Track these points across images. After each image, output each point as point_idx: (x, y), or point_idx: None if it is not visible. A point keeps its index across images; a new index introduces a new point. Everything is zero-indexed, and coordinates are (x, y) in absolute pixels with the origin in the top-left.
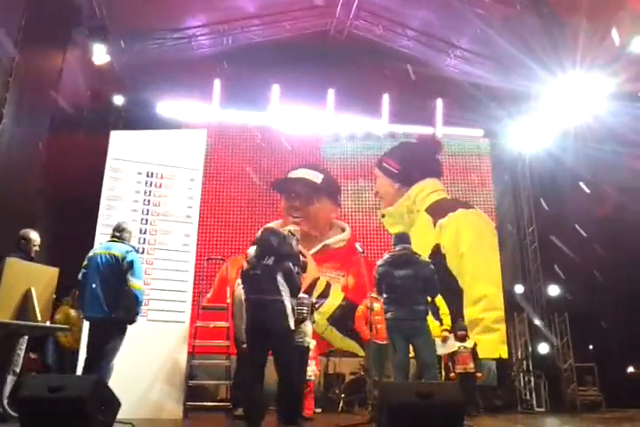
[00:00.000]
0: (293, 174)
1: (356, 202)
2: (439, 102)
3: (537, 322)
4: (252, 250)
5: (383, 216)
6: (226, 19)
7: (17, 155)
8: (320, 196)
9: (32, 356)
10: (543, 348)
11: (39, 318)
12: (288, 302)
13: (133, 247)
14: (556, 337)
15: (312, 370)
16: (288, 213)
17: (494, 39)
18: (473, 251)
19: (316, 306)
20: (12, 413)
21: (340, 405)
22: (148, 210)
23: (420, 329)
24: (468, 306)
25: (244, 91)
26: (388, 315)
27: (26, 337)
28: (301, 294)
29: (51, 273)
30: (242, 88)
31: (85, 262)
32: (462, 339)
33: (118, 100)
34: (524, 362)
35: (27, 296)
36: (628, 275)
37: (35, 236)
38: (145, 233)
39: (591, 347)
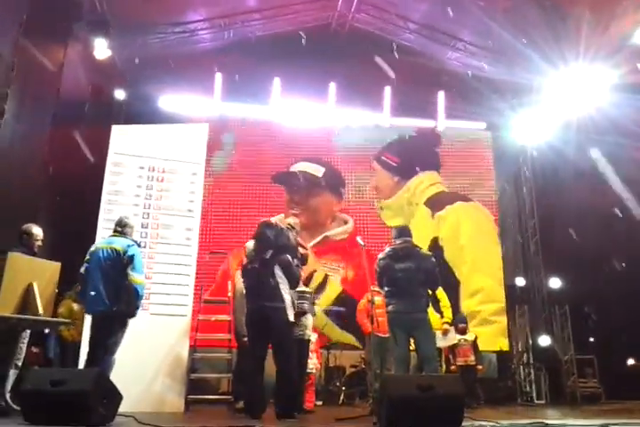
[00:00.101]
0: (295, 168)
1: (360, 195)
2: (441, 95)
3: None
4: (250, 244)
5: (382, 209)
6: (227, 13)
7: (19, 150)
8: (321, 189)
9: (34, 350)
10: (544, 340)
11: (41, 313)
12: (287, 295)
13: (135, 241)
14: (556, 329)
15: (313, 363)
16: (289, 207)
17: (496, 31)
18: (472, 243)
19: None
20: (15, 406)
21: (341, 397)
22: (149, 204)
23: (421, 322)
24: (465, 298)
25: (245, 85)
26: (389, 308)
27: (28, 331)
28: (303, 288)
29: (53, 268)
30: (243, 82)
31: (87, 257)
32: (463, 331)
33: (120, 94)
34: (525, 354)
35: (29, 291)
36: (629, 268)
37: (37, 230)
38: (147, 227)
39: (591, 339)
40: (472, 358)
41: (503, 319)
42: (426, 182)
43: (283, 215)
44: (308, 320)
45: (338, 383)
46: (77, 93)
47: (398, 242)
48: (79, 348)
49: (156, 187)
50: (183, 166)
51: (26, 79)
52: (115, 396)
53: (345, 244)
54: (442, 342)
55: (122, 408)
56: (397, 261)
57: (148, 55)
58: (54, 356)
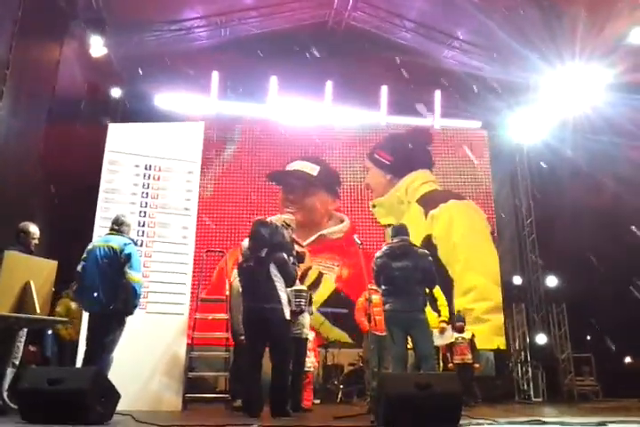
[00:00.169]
0: (290, 167)
1: (357, 194)
2: (437, 94)
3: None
4: (245, 243)
5: (374, 207)
6: (223, 10)
7: (14, 147)
8: (316, 188)
9: (31, 349)
10: (541, 338)
11: (38, 311)
12: (283, 293)
13: (132, 240)
14: (553, 328)
15: (311, 361)
16: (284, 206)
17: (493, 30)
18: (464, 242)
19: None
20: (12, 405)
21: (339, 396)
22: (146, 202)
23: (418, 320)
24: (457, 296)
25: (241, 83)
26: (387, 306)
27: (25, 330)
28: (300, 286)
29: (50, 266)
30: (240, 80)
31: (84, 255)
32: (460, 330)
33: (116, 92)
34: (522, 353)
35: (25, 289)
36: (626, 266)
37: (34, 229)
38: (143, 226)
39: (589, 337)
40: (469, 356)
41: (497, 317)
42: (418, 181)
43: (279, 216)
44: (306, 319)
45: (336, 382)
46: (73, 91)
47: (395, 240)
48: (77, 346)
49: (152, 185)
50: (179, 165)
51: (21, 77)
52: (112, 394)
53: (341, 242)
54: (439, 341)
55: (119, 407)
56: (395, 260)
57: (144, 53)
58: (52, 354)
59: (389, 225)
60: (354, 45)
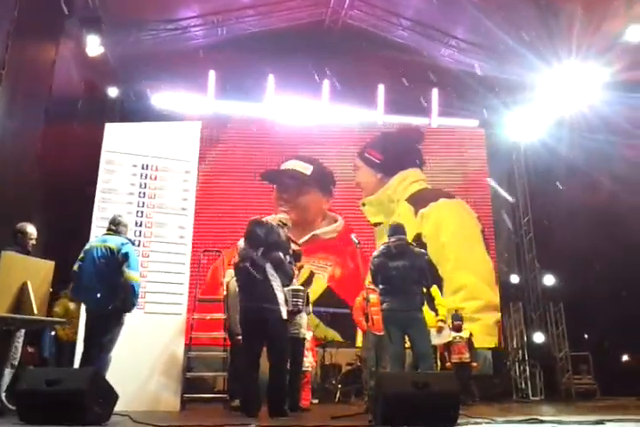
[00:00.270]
0: (284, 166)
1: (352, 193)
2: (434, 92)
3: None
4: (241, 242)
5: (364, 205)
6: (220, 9)
7: (11, 148)
8: (310, 187)
9: (29, 349)
10: (538, 337)
11: (35, 312)
12: (279, 292)
13: (129, 240)
14: (551, 326)
15: (309, 361)
16: (278, 205)
17: (489, 28)
18: (454, 240)
19: None
20: (10, 406)
21: (337, 395)
22: (143, 202)
23: (416, 320)
24: (447, 295)
25: (238, 82)
26: (384, 306)
27: (23, 331)
28: (297, 286)
29: (47, 267)
30: (237, 79)
31: (82, 255)
32: (458, 329)
33: (113, 91)
34: (520, 351)
35: (23, 290)
36: (623, 264)
37: (31, 229)
38: (140, 226)
39: (586, 336)
40: (467, 355)
41: (488, 317)
42: (408, 179)
43: (274, 215)
44: (303, 319)
45: (334, 381)
46: (70, 91)
47: (393, 240)
48: (75, 347)
49: (149, 185)
50: (176, 164)
51: (17, 76)
52: (110, 395)
53: (334, 242)
54: (436, 340)
55: (117, 407)
56: (392, 259)
57: (140, 52)
58: (50, 355)
59: (379, 224)
60: (351, 44)
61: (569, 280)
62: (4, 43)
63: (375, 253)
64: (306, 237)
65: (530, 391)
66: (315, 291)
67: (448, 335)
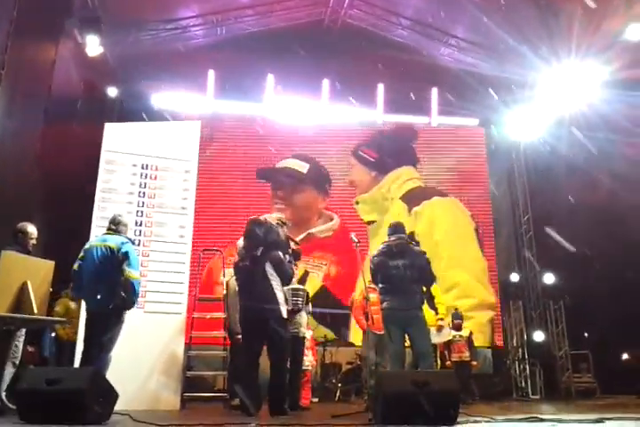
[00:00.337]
0: (280, 164)
1: (348, 192)
2: (434, 92)
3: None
4: (240, 242)
5: (357, 203)
6: (219, 9)
7: (11, 148)
8: (306, 185)
9: (29, 349)
10: (538, 336)
11: (35, 311)
12: (279, 291)
13: (129, 239)
14: (551, 325)
15: (309, 360)
16: (273, 203)
17: (489, 28)
18: (447, 238)
19: None
20: (11, 405)
21: (337, 394)
22: (143, 202)
23: (415, 319)
24: (440, 293)
25: (238, 81)
26: (384, 305)
27: (24, 330)
28: (297, 285)
29: (47, 266)
30: (236, 79)
31: (82, 254)
32: (458, 328)
33: (112, 91)
34: (520, 350)
35: (23, 289)
36: (623, 263)
37: (32, 229)
38: (140, 225)
39: (586, 334)
40: (467, 354)
41: (481, 315)
42: (402, 178)
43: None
44: (303, 318)
45: (334, 380)
46: (69, 91)
47: (392, 239)
48: (75, 346)
49: (149, 185)
50: (176, 164)
51: (17, 76)
52: (111, 394)
53: (330, 241)
54: (436, 339)
55: (117, 406)
56: (392, 258)
57: (140, 52)
58: (50, 355)
59: (372, 222)
60: (350, 43)
61: (569, 279)
62: (3, 43)
63: (375, 252)
64: (301, 236)
65: (530, 390)
66: (309, 290)
67: (448, 334)
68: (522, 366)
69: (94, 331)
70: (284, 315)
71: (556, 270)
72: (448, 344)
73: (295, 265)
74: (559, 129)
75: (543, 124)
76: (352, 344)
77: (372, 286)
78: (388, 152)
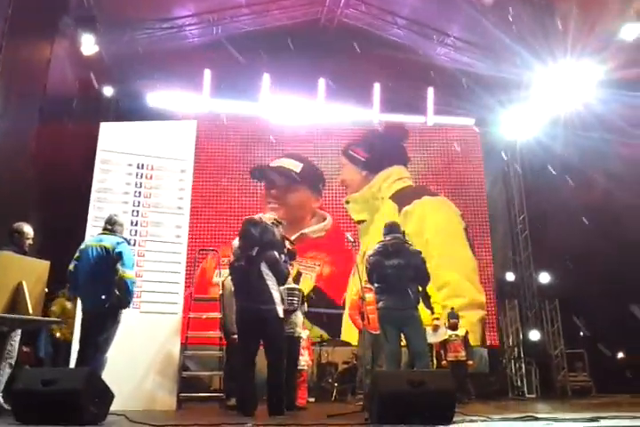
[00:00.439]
0: (274, 163)
1: (342, 192)
2: (430, 91)
3: None
4: (236, 242)
5: (348, 203)
6: (215, 8)
7: (5, 147)
8: (299, 185)
9: (25, 349)
10: (534, 335)
11: (30, 312)
12: (275, 291)
13: (125, 239)
14: (546, 324)
15: (305, 360)
16: (267, 202)
17: (485, 27)
18: (437, 238)
19: None
20: (6, 406)
21: (334, 394)
22: (138, 202)
23: (411, 318)
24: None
25: (234, 80)
26: (380, 304)
27: (19, 331)
28: (292, 285)
29: (42, 266)
30: (232, 78)
31: (77, 255)
32: (454, 327)
33: (108, 90)
34: (516, 349)
35: (18, 290)
36: (618, 262)
37: (28, 229)
38: (136, 225)
39: (581, 333)
40: (463, 353)
41: (471, 314)
42: (392, 177)
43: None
44: (298, 318)
45: (330, 380)
46: (65, 90)
47: (388, 238)
48: (71, 347)
49: (145, 184)
50: (172, 163)
51: (11, 76)
52: (106, 395)
53: (322, 241)
54: (432, 338)
55: (113, 406)
56: (387, 258)
57: (135, 51)
58: (46, 355)
59: (362, 221)
60: (346, 43)
61: (564, 278)
62: None
63: (370, 252)
64: (294, 236)
65: (525, 389)
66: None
67: (444, 334)
68: (518, 366)
69: (90, 331)
70: (281, 315)
71: (551, 270)
72: (444, 344)
73: (291, 265)
74: (555, 128)
75: (539, 124)
76: (348, 344)
77: (368, 285)
78: (379, 151)
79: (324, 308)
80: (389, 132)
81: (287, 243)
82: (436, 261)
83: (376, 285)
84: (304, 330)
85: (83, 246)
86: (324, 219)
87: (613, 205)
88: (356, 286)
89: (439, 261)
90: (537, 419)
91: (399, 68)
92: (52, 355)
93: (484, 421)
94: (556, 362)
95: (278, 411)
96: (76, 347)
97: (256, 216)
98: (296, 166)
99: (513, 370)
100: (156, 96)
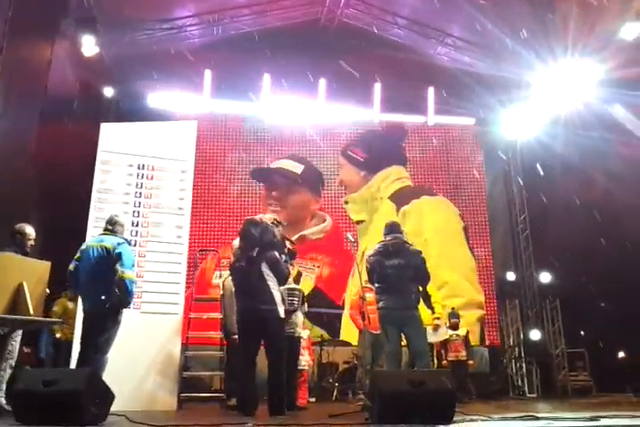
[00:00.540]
0: (274, 165)
1: (343, 193)
2: (430, 91)
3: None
4: (236, 242)
5: (347, 203)
6: (215, 8)
7: (6, 148)
8: (300, 186)
9: (25, 350)
10: (535, 334)
11: (31, 312)
12: (276, 291)
13: (126, 239)
14: (547, 323)
15: (305, 360)
16: (267, 203)
17: (485, 27)
18: (436, 238)
19: None
20: (7, 407)
21: (334, 394)
22: (139, 202)
23: (412, 318)
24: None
25: (234, 81)
26: (380, 304)
27: (20, 331)
28: (293, 285)
29: (43, 267)
30: (232, 78)
31: (78, 255)
32: (455, 327)
33: (108, 91)
34: (516, 348)
35: (19, 291)
36: (618, 262)
37: (30, 230)
38: (137, 225)
39: (582, 333)
40: (463, 353)
41: (469, 314)
42: (391, 177)
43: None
44: (299, 318)
45: (331, 380)
46: (65, 91)
47: (388, 238)
48: (72, 347)
49: (145, 185)
50: (173, 164)
51: (12, 76)
52: (107, 395)
53: (322, 243)
54: (433, 338)
55: (114, 407)
56: (388, 258)
57: (136, 52)
58: (46, 356)
59: (361, 222)
60: (346, 43)
61: (565, 277)
62: None
63: (371, 252)
64: (293, 238)
65: (526, 388)
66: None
67: (444, 333)
68: (518, 365)
69: (91, 332)
70: (282, 315)
71: (552, 269)
72: (445, 343)
73: (291, 265)
74: (555, 128)
75: (539, 123)
76: (349, 344)
77: (369, 285)
78: (378, 152)
79: (324, 308)
80: (388, 133)
81: (287, 243)
82: (434, 260)
83: (376, 285)
84: (304, 330)
85: (83, 247)
86: (324, 220)
87: (614, 205)
88: (356, 286)
89: (438, 260)
90: (537, 418)
91: (399, 67)
92: (53, 355)
93: (485, 420)
94: (557, 361)
95: (279, 411)
96: (76, 347)
97: (256, 217)
98: (297, 168)
99: (514, 370)
100: (157, 97)
